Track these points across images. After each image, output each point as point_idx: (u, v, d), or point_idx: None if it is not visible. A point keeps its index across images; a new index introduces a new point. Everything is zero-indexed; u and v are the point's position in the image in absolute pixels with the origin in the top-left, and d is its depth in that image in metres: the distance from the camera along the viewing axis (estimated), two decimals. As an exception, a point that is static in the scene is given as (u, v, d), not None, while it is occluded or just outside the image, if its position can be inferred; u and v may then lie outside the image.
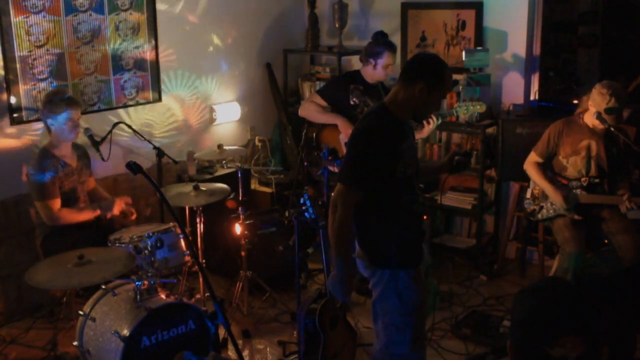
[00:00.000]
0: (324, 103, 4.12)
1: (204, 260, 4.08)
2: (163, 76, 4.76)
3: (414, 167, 2.75)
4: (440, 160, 3.05)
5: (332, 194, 2.63)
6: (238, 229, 4.12)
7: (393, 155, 2.62)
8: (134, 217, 3.89)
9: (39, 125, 3.99)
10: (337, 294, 2.79)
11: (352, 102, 4.06)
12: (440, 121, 4.04)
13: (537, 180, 4.00)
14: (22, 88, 3.97)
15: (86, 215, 3.77)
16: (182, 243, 3.63)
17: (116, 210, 3.83)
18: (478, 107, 4.24)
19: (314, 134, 4.21)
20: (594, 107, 3.76)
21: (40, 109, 3.77)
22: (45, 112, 3.66)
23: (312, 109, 4.15)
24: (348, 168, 2.64)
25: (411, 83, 2.62)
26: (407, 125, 2.77)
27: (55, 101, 3.65)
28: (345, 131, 4.04)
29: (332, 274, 2.75)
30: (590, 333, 1.63)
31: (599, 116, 3.73)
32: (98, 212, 3.80)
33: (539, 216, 4.05)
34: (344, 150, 4.08)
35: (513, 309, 1.73)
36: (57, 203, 3.65)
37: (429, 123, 3.95)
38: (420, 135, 4.10)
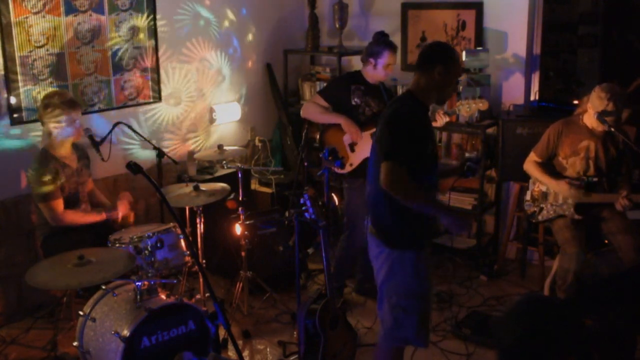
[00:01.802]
0: (325, 104, 4.12)
1: (204, 261, 4.08)
2: (163, 76, 4.76)
3: (436, 148, 2.92)
4: (452, 164, 3.22)
5: (381, 177, 2.69)
6: (238, 229, 4.12)
7: (425, 132, 2.82)
8: (132, 219, 3.88)
9: (39, 125, 3.98)
10: (458, 227, 2.83)
11: (353, 103, 4.06)
12: (447, 119, 4.08)
13: (538, 177, 4.00)
14: (22, 88, 3.97)
15: (91, 219, 3.77)
16: (182, 243, 3.62)
17: (121, 211, 3.83)
18: (480, 104, 4.24)
19: (318, 135, 4.21)
20: (592, 109, 3.77)
21: (39, 112, 3.72)
22: (44, 115, 3.64)
23: (313, 110, 4.14)
24: (392, 146, 2.72)
25: (430, 69, 2.82)
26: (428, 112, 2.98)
27: (52, 104, 3.62)
28: (348, 130, 4.02)
29: (447, 220, 2.81)
30: (580, 347, 1.62)
31: (599, 117, 3.73)
32: (104, 216, 3.80)
33: (539, 217, 4.05)
34: (347, 151, 4.08)
35: (498, 336, 1.70)
36: (59, 204, 3.65)
37: (436, 120, 4.03)
38: (436, 124, 4.14)
